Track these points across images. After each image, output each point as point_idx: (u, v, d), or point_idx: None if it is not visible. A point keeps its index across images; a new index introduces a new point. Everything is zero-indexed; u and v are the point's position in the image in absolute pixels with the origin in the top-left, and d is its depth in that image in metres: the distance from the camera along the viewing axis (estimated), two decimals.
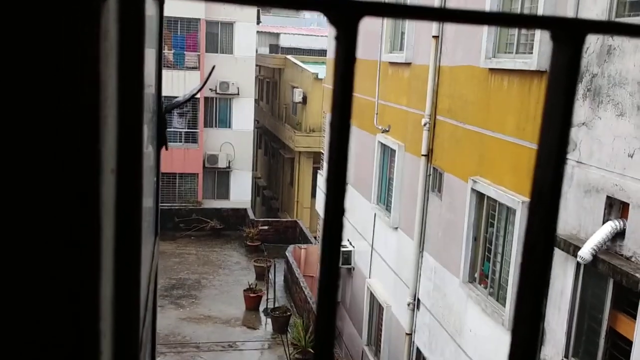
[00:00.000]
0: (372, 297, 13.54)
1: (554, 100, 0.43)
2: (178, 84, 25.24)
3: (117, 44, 0.68)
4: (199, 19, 25.83)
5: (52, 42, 0.49)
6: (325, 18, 0.38)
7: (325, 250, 0.42)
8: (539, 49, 7.51)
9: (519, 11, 8.30)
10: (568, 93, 0.43)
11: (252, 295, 18.03)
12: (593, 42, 6.64)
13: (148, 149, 1.55)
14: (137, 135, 0.83)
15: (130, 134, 0.79)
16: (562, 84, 0.43)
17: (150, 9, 1.49)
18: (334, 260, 0.42)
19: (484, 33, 8.81)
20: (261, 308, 18.12)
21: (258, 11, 27.69)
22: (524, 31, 8.25)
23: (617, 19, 6.42)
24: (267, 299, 17.85)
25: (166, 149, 1.82)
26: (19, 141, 0.51)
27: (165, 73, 26.69)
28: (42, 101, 0.51)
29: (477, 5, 9.09)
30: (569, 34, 0.43)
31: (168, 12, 24.76)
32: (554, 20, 0.44)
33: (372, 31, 13.70)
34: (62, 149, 0.52)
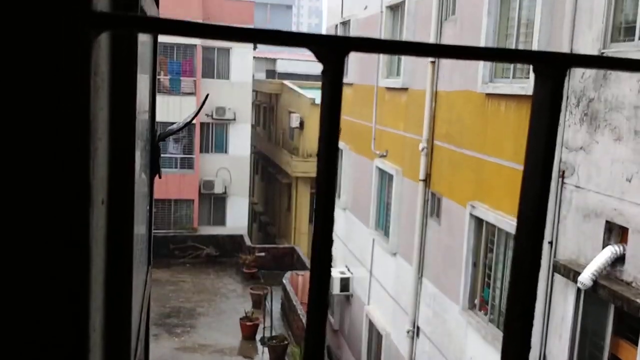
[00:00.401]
0: (371, 324, 13.39)
1: (537, 132, 0.45)
2: (174, 109, 25.31)
3: (109, 77, 0.69)
4: (195, 45, 26.01)
5: (44, 76, 0.51)
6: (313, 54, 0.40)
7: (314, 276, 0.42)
8: None
9: (515, 37, 8.35)
10: (551, 125, 0.45)
11: (248, 323, 17.82)
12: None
13: (141, 177, 1.52)
14: (128, 166, 0.83)
15: (122, 165, 0.80)
16: (545, 116, 0.44)
17: (144, 36, 1.47)
18: (324, 288, 0.43)
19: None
20: (258, 337, 17.90)
21: None
22: None
23: (613, 44, 6.45)
24: (263, 328, 17.64)
25: (159, 177, 1.78)
26: (6, 173, 0.52)
27: (161, 98, 26.92)
28: (32, 133, 0.52)
29: (473, 34, 9.15)
30: (550, 68, 0.44)
31: (164, 38, 24.98)
32: (536, 55, 0.45)
33: (369, 56, 13.79)
34: (52, 181, 0.53)
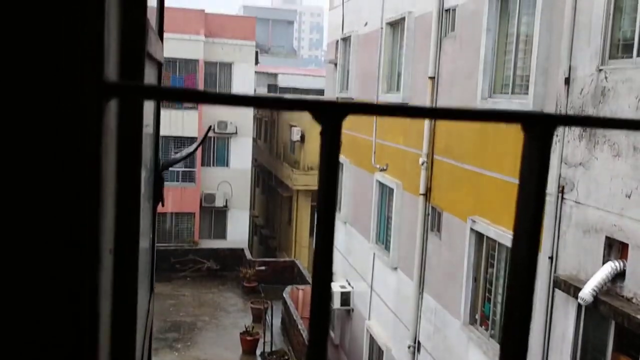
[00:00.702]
0: (372, 339, 13.33)
1: (526, 189, 0.47)
2: (176, 123, 25.40)
3: (117, 131, 0.72)
4: (198, 60, 26.15)
5: (55, 142, 0.53)
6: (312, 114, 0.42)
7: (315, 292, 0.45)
8: (535, 90, 7.58)
9: (513, 53, 8.41)
10: (539, 181, 0.46)
11: (248, 338, 17.75)
12: (587, 83, 6.70)
13: (144, 207, 1.55)
14: (134, 214, 0.86)
15: (128, 214, 0.82)
16: (534, 173, 0.46)
17: (149, 75, 1.50)
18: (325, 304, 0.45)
19: (480, 74, 8.91)
20: (258, 352, 17.81)
21: (256, 52, 28.08)
22: (519, 72, 8.35)
23: (611, 61, 6.49)
24: (264, 342, 17.57)
25: (162, 205, 1.81)
26: (21, 224, 0.54)
27: (163, 112, 26.85)
28: (44, 194, 0.54)
29: (473, 51, 9.21)
30: (538, 127, 0.46)
31: (167, 53, 25.04)
32: (524, 115, 0.47)
33: (369, 71, 13.87)
34: (61, 234, 0.55)
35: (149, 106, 1.53)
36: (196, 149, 2.68)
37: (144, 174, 1.43)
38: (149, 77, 1.43)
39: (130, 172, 0.84)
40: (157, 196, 1.79)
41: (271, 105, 0.42)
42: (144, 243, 1.48)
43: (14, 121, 0.52)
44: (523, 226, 0.48)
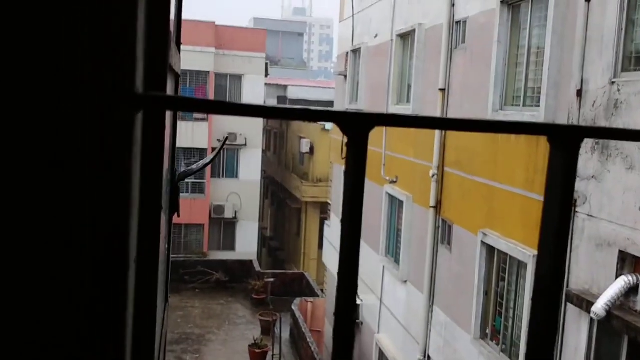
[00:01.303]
0: (381, 353, 13.24)
1: (552, 201, 0.46)
2: (186, 135, 25.50)
3: (141, 147, 0.73)
4: (208, 72, 26.31)
5: (88, 153, 0.54)
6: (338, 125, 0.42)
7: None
8: (546, 102, 7.54)
9: (525, 65, 8.38)
10: (565, 193, 0.46)
11: (257, 350, 17.68)
12: (600, 96, 6.66)
13: (163, 218, 1.54)
14: (155, 224, 0.86)
15: (150, 224, 0.83)
16: (559, 184, 0.46)
17: (170, 86, 1.50)
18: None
19: (491, 86, 8.88)
20: None
21: (266, 64, 28.21)
22: (530, 84, 8.31)
23: (623, 73, 6.45)
24: (272, 355, 17.48)
25: (178, 216, 1.80)
26: (57, 237, 0.55)
27: None
28: (79, 203, 0.55)
29: (484, 63, 9.19)
30: (565, 140, 0.46)
31: None
32: (551, 128, 0.47)
33: (379, 83, 13.88)
34: (94, 245, 0.56)
35: (167, 118, 1.53)
36: (213, 159, 2.68)
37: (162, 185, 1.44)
38: (169, 88, 1.43)
39: (152, 182, 0.84)
40: (173, 207, 1.79)
41: (298, 117, 0.42)
42: (161, 254, 1.48)
43: (48, 133, 0.53)
44: (548, 239, 0.47)
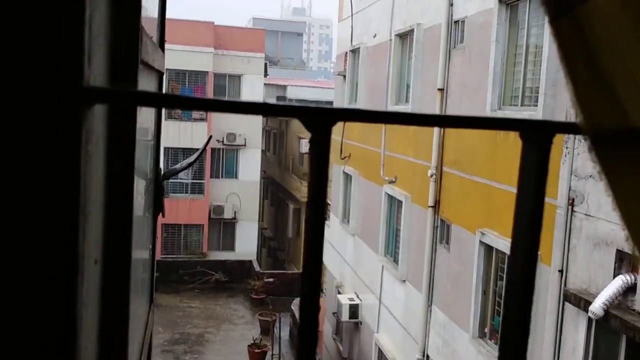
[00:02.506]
0: (380, 352, 13.24)
1: (525, 196, 0.46)
2: (185, 135, 25.51)
3: (105, 143, 0.71)
4: (207, 72, 26.30)
5: (34, 149, 0.53)
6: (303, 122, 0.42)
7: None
8: (544, 101, 7.54)
9: (523, 65, 8.38)
10: (537, 190, 0.46)
11: (256, 350, 17.68)
12: None
13: (145, 217, 1.53)
14: (125, 225, 0.84)
15: (118, 224, 0.81)
16: (532, 181, 0.46)
17: (149, 85, 1.49)
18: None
19: (489, 85, 8.89)
20: None
21: (265, 64, 28.21)
22: (528, 83, 8.32)
23: None
24: (272, 355, 17.49)
25: (163, 216, 1.80)
26: None
27: (173, 124, 26.93)
28: (22, 203, 0.54)
29: (482, 62, 9.19)
30: (537, 135, 0.47)
31: (176, 64, 25.33)
32: (522, 123, 0.47)
33: (378, 83, 13.89)
34: (38, 251, 0.54)
35: (148, 116, 1.52)
36: (197, 159, 2.67)
37: (143, 184, 1.41)
38: (148, 85, 1.42)
39: (121, 181, 0.83)
40: (158, 206, 1.78)
41: (259, 111, 0.41)
42: (142, 254, 1.47)
43: None
44: (521, 234, 0.47)
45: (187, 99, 0.41)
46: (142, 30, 0.99)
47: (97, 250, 0.72)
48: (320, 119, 0.41)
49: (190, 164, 2.65)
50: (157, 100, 0.41)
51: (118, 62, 0.82)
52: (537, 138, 0.45)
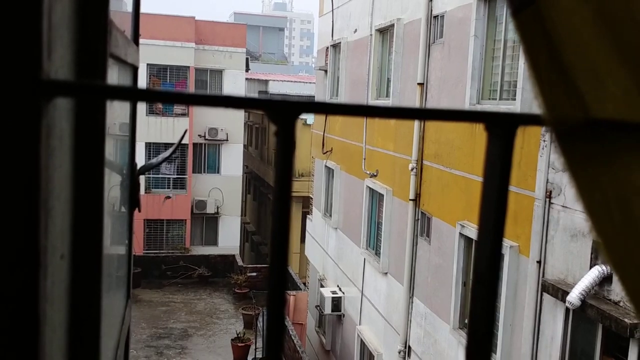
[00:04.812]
0: (363, 344, 13.34)
1: (490, 188, 0.47)
2: (167, 130, 25.35)
3: (70, 132, 0.69)
4: (188, 67, 26.14)
5: None
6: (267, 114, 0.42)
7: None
8: (522, 96, 7.65)
9: (501, 59, 8.48)
10: (502, 181, 0.47)
11: (240, 344, 17.70)
12: None
13: (120, 213, 1.55)
14: (95, 219, 0.84)
15: (87, 219, 0.80)
16: (497, 172, 0.47)
17: (124, 79, 1.51)
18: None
19: (468, 79, 8.97)
20: (250, 358, 17.76)
21: (247, 59, 28.10)
22: (507, 77, 8.42)
23: None
24: (255, 349, 17.52)
25: (139, 211, 1.82)
26: None
27: (154, 120, 26.64)
28: None
29: (461, 57, 9.28)
30: (501, 127, 0.47)
31: (157, 59, 25.13)
32: (487, 115, 0.48)
33: (359, 77, 13.93)
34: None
35: (122, 110, 1.54)
36: (172, 153, 2.69)
37: (118, 179, 1.42)
38: (120, 79, 1.44)
39: (90, 175, 0.82)
40: (134, 201, 1.80)
41: (225, 103, 0.42)
42: (117, 249, 1.48)
43: None
44: (486, 225, 0.48)
45: (151, 92, 0.42)
46: (112, 24, 0.97)
47: (64, 245, 0.70)
48: (284, 111, 0.42)
49: (165, 159, 2.67)
50: (121, 93, 0.42)
51: (85, 55, 0.80)
52: (502, 130, 0.47)
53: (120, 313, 1.60)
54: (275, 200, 0.43)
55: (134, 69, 1.78)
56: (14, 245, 0.53)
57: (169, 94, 0.42)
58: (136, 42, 1.81)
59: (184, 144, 25.84)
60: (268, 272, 0.46)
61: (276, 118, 0.42)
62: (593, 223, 0.47)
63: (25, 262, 0.54)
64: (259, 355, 17.29)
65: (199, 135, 26.50)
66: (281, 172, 0.43)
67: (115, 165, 1.34)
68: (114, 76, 1.25)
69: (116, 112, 1.33)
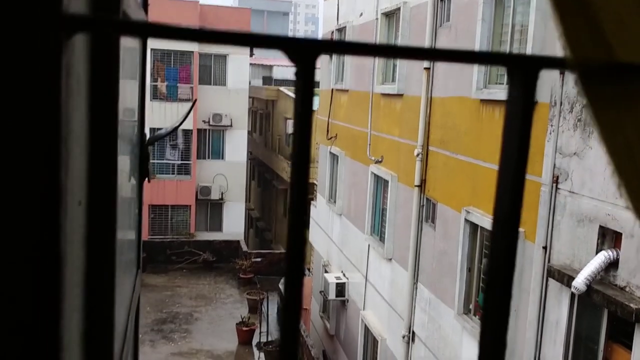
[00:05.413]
0: (367, 329, 13.38)
1: (511, 134, 0.47)
2: (171, 115, 25.32)
3: (87, 79, 0.69)
4: (192, 52, 26.06)
5: (11, 78, 0.51)
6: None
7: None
8: None
9: (509, 43, 8.41)
10: (523, 127, 0.46)
11: (244, 329, 17.80)
12: None
13: (130, 181, 1.53)
14: (110, 167, 0.83)
15: (104, 166, 0.79)
16: (518, 117, 0.46)
17: (133, 42, 1.49)
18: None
19: (475, 64, 8.90)
20: (254, 342, 17.87)
21: None
22: None
23: None
24: (260, 333, 17.62)
25: (148, 181, 1.80)
26: None
27: (158, 105, 26.67)
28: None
29: (468, 40, 9.21)
30: (523, 70, 0.46)
31: (161, 44, 25.04)
32: (509, 58, 0.47)
33: (364, 63, 13.84)
34: (20, 183, 0.53)
35: (131, 91, 1.52)
36: (182, 122, 2.68)
37: (129, 148, 1.41)
38: (133, 42, 1.42)
39: (105, 122, 0.80)
40: (143, 172, 1.79)
41: (241, 41, 0.41)
42: (129, 218, 1.47)
43: None
44: (507, 165, 0.48)
45: (172, 29, 0.41)
46: None
47: (82, 192, 0.70)
48: (305, 50, 0.41)
49: (175, 128, 2.67)
50: (141, 30, 0.41)
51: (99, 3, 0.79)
52: (523, 73, 0.46)
53: (131, 280, 1.59)
54: (295, 140, 0.42)
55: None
56: (37, 181, 0.53)
57: (192, 31, 0.41)
58: (145, 11, 1.80)
59: (188, 130, 25.82)
60: (288, 213, 0.45)
61: (296, 57, 0.41)
62: (615, 166, 0.47)
63: (47, 199, 0.54)
64: (264, 339, 17.38)
65: (203, 120, 26.47)
66: (301, 113, 0.41)
67: (125, 133, 1.32)
68: (125, 40, 1.22)
69: (125, 71, 1.30)
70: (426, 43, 10.50)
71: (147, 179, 1.83)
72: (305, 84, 0.41)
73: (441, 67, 10.26)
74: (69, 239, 0.60)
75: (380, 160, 12.68)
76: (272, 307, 19.03)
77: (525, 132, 0.46)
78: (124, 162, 1.29)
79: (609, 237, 6.35)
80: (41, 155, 0.53)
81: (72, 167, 0.62)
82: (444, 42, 10.16)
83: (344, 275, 15.08)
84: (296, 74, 0.41)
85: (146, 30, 0.40)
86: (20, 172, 0.53)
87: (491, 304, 0.49)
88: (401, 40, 11.75)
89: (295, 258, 0.46)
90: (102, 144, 0.80)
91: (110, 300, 0.88)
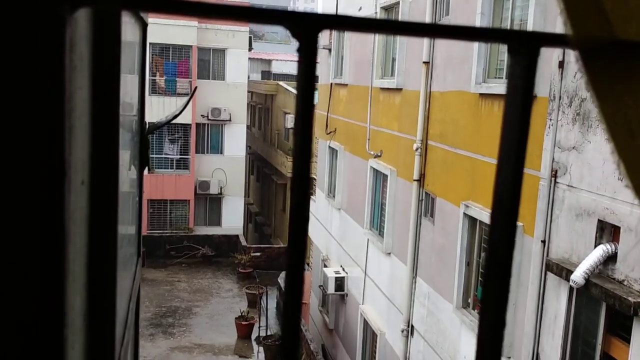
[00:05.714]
0: (366, 323, 13.42)
1: (512, 112, 0.46)
2: (170, 110, 25.26)
3: (89, 57, 0.68)
4: (191, 46, 26.00)
5: (15, 52, 0.51)
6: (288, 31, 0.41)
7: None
8: None
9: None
10: (524, 103, 0.46)
11: (244, 323, 17.83)
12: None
13: (130, 170, 1.54)
14: (112, 147, 0.83)
15: (105, 145, 0.80)
16: (519, 93, 0.46)
17: (133, 35, 1.49)
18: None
19: (474, 58, 8.90)
20: (253, 336, 17.91)
21: (250, 38, 27.92)
22: None
23: None
24: (259, 327, 17.65)
25: (149, 170, 1.81)
26: None
27: (157, 99, 26.64)
28: (3, 109, 0.52)
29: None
30: (524, 47, 0.46)
31: (160, 39, 24.97)
32: (510, 34, 0.47)
33: (363, 57, 13.83)
34: (25, 157, 0.53)
35: (131, 81, 1.52)
36: (181, 111, 2.68)
37: (129, 136, 1.41)
38: (133, 34, 1.42)
39: (107, 102, 0.80)
40: (144, 159, 1.80)
41: (243, 17, 0.41)
42: (130, 205, 1.47)
43: None
44: (507, 146, 0.47)
45: (171, 2, 0.40)
46: None
47: (84, 171, 0.70)
48: (308, 25, 0.40)
49: (175, 116, 2.66)
50: (141, 3, 0.41)
51: None
52: (524, 49, 0.47)
53: (132, 267, 1.60)
54: (297, 117, 0.42)
55: (144, 26, 1.77)
56: (41, 153, 0.53)
57: (189, 4, 0.41)
58: None
59: (187, 124, 25.79)
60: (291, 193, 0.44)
61: (298, 32, 0.41)
62: (614, 144, 0.47)
63: (51, 172, 0.53)
64: (263, 333, 17.42)
65: (201, 115, 26.44)
66: (303, 88, 0.41)
67: (125, 119, 1.32)
68: (127, 29, 1.23)
69: (126, 64, 1.30)
70: (425, 38, 10.48)
71: (147, 167, 1.83)
72: (307, 60, 0.41)
73: (440, 61, 10.25)
74: (72, 217, 0.60)
75: (379, 154, 12.68)
76: (271, 302, 19.05)
77: (525, 112, 0.47)
78: (125, 151, 1.29)
79: (607, 231, 6.36)
80: (45, 128, 0.53)
81: (75, 145, 0.61)
82: None
83: (343, 269, 15.10)
84: (299, 50, 0.41)
85: (146, 4, 0.40)
86: (25, 146, 0.52)
87: (490, 297, 0.49)
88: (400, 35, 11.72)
89: (296, 252, 0.46)
90: (105, 125, 0.79)
91: (112, 281, 0.88)
